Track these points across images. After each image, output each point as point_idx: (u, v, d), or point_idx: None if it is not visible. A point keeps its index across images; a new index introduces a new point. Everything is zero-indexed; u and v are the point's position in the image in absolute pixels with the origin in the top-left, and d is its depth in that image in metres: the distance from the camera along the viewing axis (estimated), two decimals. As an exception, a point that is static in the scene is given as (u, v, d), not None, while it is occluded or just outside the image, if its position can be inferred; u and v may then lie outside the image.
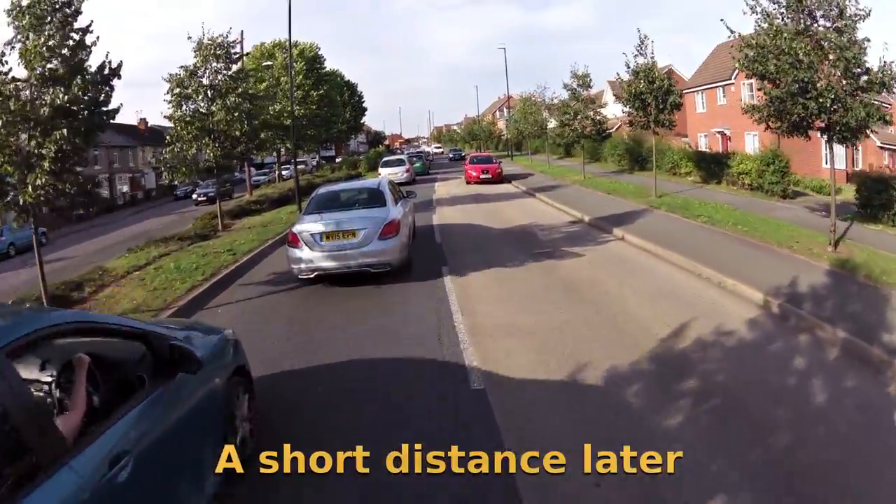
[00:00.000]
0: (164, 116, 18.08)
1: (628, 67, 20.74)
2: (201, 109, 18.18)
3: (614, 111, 59.84)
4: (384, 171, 32.41)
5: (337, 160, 69.71)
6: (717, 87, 40.77)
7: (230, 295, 10.75)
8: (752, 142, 36.92)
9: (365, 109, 78.65)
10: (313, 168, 61.66)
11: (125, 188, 60.20)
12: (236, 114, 17.67)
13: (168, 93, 18.07)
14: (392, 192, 11.98)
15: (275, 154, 79.29)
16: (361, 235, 10.00)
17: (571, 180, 28.55)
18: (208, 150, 17.47)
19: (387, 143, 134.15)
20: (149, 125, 68.65)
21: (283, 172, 61.13)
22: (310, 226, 10.25)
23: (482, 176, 30.88)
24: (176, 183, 40.14)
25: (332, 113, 53.09)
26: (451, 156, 69.36)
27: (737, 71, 37.59)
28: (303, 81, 48.12)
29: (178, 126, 17.56)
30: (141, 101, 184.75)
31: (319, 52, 51.86)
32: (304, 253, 10.11)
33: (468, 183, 31.17)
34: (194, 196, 47.18)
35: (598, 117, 28.62)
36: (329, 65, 55.52)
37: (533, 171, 37.94)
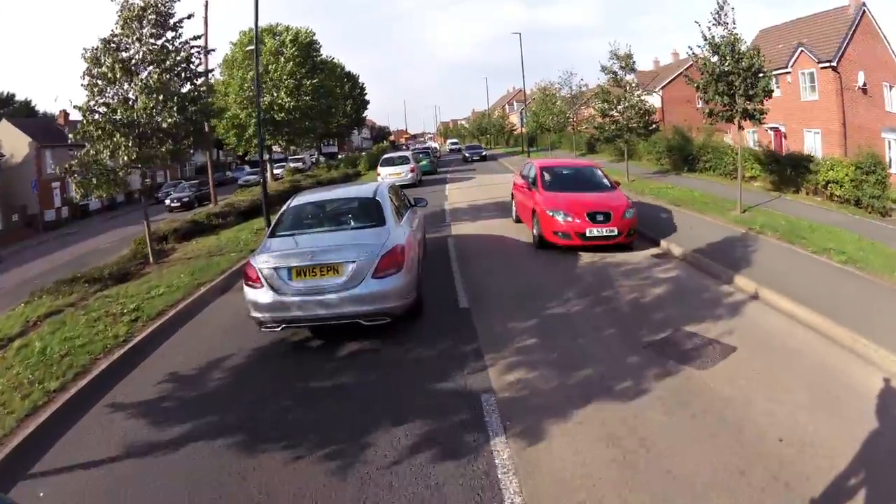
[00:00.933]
0: (74, 107, 12.80)
1: (705, 40, 15.41)
2: (129, 96, 12.90)
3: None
4: (384, 172, 27.25)
5: (339, 156, 64.30)
6: (772, 74, 34.94)
7: (78, 441, 5.61)
8: (812, 140, 31.60)
9: (367, 102, 73.54)
10: (310, 166, 55.94)
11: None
12: (161, 97, 12.33)
13: (83, 76, 12.81)
14: (394, 201, 8.84)
15: (278, 149, 74.61)
16: (349, 272, 6.91)
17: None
18: (122, 152, 12.14)
19: (392, 138, 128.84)
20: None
21: (277, 171, 56.20)
22: (275, 256, 7.15)
23: (595, 232, 11.61)
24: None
25: (330, 105, 47.68)
26: (452, 148, 62.47)
27: (796, 56, 32.24)
28: (294, 70, 42.77)
29: (87, 119, 12.30)
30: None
31: (315, 39, 46.39)
32: (266, 296, 6.98)
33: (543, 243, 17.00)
34: (167, 201, 42.01)
35: (645, 106, 23.26)
36: (329, 55, 50.16)
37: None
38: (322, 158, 66.18)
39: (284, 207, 8.74)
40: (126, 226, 35.60)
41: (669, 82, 48.66)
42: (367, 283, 6.84)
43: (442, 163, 50.69)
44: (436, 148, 64.60)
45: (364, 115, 74.87)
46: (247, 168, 61.55)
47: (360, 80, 72.29)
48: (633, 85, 23.25)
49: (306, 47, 44.72)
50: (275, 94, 41.12)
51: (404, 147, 75.12)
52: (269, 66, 42.07)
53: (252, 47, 40.47)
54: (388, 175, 26.29)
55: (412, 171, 28.05)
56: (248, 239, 15.47)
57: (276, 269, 6.97)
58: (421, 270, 8.44)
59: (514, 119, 79.41)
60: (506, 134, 76.98)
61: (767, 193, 21.06)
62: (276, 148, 78.53)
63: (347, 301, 6.82)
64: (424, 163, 36.68)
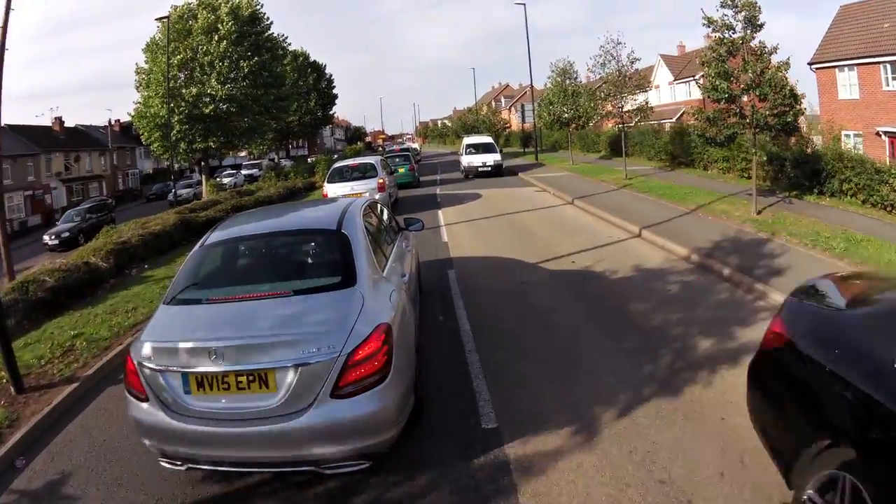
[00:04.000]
0: None
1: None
2: None
3: (670, 94, 43.85)
4: (334, 191, 16.78)
5: (310, 160, 53.74)
6: (882, 61, 25.08)
7: None
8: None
9: (335, 96, 63.03)
10: (255, 177, 44.92)
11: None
12: None
13: None
14: (373, 232, 5.55)
15: (244, 153, 63.82)
16: (288, 386, 3.73)
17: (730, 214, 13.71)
18: None
19: (368, 139, 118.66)
20: (64, 124, 53.54)
21: (225, 180, 45.57)
22: (162, 349, 3.98)
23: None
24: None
25: (281, 95, 37.16)
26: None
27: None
28: (230, 49, 32.47)
29: None
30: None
31: (261, 12, 35.99)
32: (153, 416, 3.93)
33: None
34: (45, 238, 31.03)
35: (786, 86, 13.04)
36: (281, 32, 39.40)
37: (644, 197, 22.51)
38: (287, 163, 55.41)
39: (196, 248, 5.19)
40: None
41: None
42: (321, 408, 3.70)
43: (424, 166, 40.10)
44: (416, 149, 54.01)
45: (332, 112, 64.38)
46: (197, 177, 50.27)
47: (326, 71, 61.91)
48: (766, 50, 13.01)
49: (248, 22, 34.35)
50: (205, 83, 31.83)
51: (379, 149, 64.37)
52: (200, 48, 32.27)
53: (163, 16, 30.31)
54: (344, 195, 15.91)
55: (380, 188, 16.89)
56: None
57: (163, 371, 3.86)
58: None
59: (508, 115, 69.20)
60: (497, 132, 66.64)
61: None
62: (242, 153, 69.45)
63: (286, 440, 3.71)
64: (402, 171, 26.28)
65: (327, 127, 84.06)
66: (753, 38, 13.05)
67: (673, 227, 12.22)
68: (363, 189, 16.48)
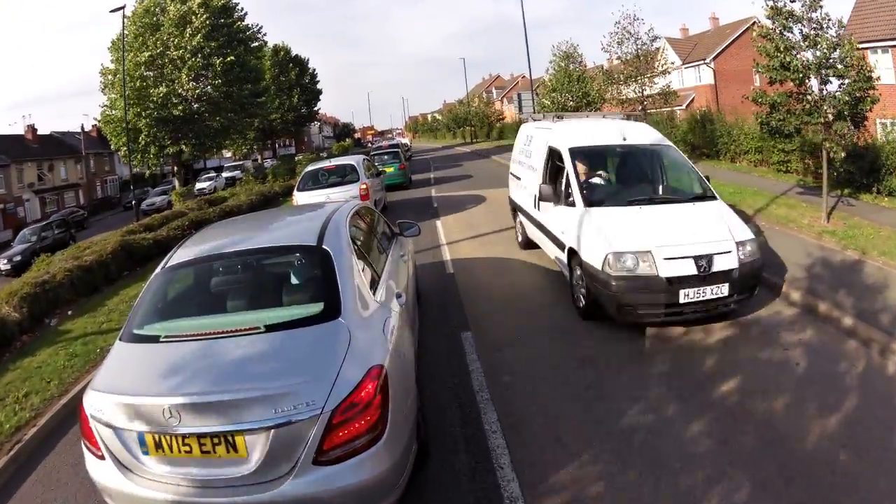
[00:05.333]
0: None
1: None
2: None
3: (678, 79, 41.39)
4: (305, 201, 13.69)
5: (297, 157, 50.91)
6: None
7: None
8: None
9: (319, 92, 59.95)
10: (237, 180, 40.98)
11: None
12: None
13: None
14: (362, 245, 5.06)
15: (229, 153, 60.71)
16: (259, 451, 3.13)
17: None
18: None
19: (357, 135, 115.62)
20: (37, 132, 50.75)
21: (204, 185, 42.63)
22: (116, 402, 3.33)
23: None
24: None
25: (258, 91, 34.16)
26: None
27: None
28: (202, 44, 29.56)
29: None
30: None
31: (234, 1, 33.03)
32: (110, 476, 3.38)
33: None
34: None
35: (865, 67, 10.31)
36: (255, 23, 36.29)
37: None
38: (270, 163, 52.27)
39: (157, 270, 4.59)
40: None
41: (724, 50, 35.94)
42: (304, 477, 3.13)
43: (416, 163, 37.00)
44: (407, 144, 50.91)
45: (317, 108, 61.26)
46: (179, 183, 47.00)
47: (309, 66, 58.76)
48: (831, 22, 10.19)
49: (221, 11, 31.38)
50: (174, 81, 29.39)
51: (368, 145, 61.18)
52: (172, 41, 29.51)
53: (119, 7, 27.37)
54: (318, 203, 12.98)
55: (362, 195, 13.93)
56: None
57: (117, 430, 3.32)
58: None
59: (501, 106, 66.30)
60: (491, 125, 63.76)
61: None
62: (227, 153, 66.66)
63: None
64: (391, 170, 23.30)
65: (315, 124, 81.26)
66: (817, 8, 10.18)
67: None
68: (341, 197, 13.49)
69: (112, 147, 32.56)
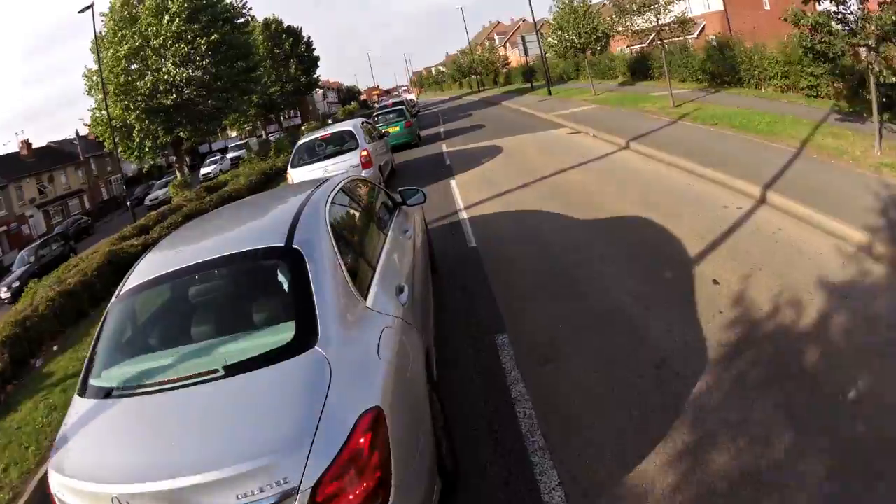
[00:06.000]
0: None
1: None
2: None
3: (689, 7, 38.73)
4: (302, 177, 12.08)
5: (302, 127, 49.54)
6: None
7: None
8: None
9: (317, 59, 57.81)
10: (236, 162, 39.45)
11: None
12: None
13: None
14: (352, 234, 4.29)
15: (234, 133, 59.14)
16: None
17: None
18: None
19: (363, 97, 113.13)
20: (31, 146, 49.82)
21: (208, 170, 41.35)
22: (66, 491, 2.70)
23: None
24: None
25: (251, 66, 32.38)
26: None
27: None
28: (183, 28, 28.00)
29: None
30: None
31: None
32: None
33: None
34: None
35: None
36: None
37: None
38: (275, 137, 50.60)
39: (112, 300, 3.67)
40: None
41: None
42: None
43: (424, 118, 35.03)
44: (413, 100, 48.66)
45: (316, 75, 59.13)
46: (180, 172, 45.44)
47: (303, 34, 56.48)
48: None
49: (198, -11, 29.54)
50: (160, 70, 27.92)
51: (374, 105, 59.06)
52: (150, 31, 28.05)
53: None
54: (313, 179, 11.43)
55: (364, 163, 12.26)
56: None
57: None
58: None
59: (505, 51, 63.64)
60: (496, 72, 61.29)
61: None
62: (233, 133, 65.39)
63: None
64: (397, 129, 21.61)
65: (319, 91, 79.28)
66: None
67: (802, 185, 7.62)
68: (341, 168, 11.98)
69: (106, 148, 31.33)
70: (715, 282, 5.43)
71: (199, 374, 2.82)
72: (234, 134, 63.33)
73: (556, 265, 6.60)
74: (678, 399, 3.87)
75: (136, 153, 29.58)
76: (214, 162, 44.10)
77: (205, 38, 28.25)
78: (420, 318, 3.90)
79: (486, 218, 9.37)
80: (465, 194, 11.41)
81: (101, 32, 28.80)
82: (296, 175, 12.45)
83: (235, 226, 4.26)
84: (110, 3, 28.84)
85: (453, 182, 12.88)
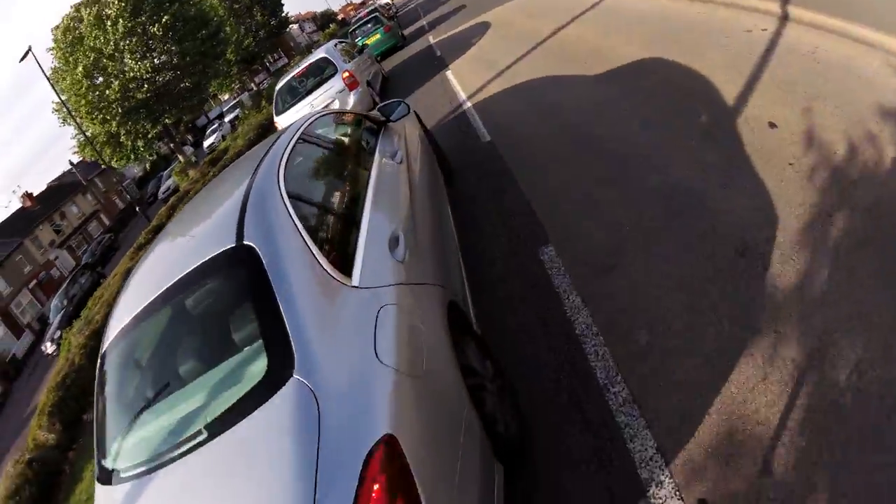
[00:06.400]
0: None
1: None
2: None
3: None
4: (286, 122, 10.79)
5: (288, 65, 48.32)
6: None
7: None
8: None
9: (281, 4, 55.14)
10: (233, 123, 37.73)
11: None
12: None
13: None
14: (326, 191, 3.54)
15: (226, 96, 58.16)
16: None
17: None
18: None
19: (340, 16, 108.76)
20: (33, 196, 50.21)
21: (210, 140, 40.46)
22: None
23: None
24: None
25: (210, 34, 31.03)
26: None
27: None
28: (130, 25, 27.41)
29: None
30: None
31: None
32: None
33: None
34: (44, 349, 26.86)
35: None
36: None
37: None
38: (267, 84, 49.10)
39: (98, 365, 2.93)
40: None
41: None
42: None
43: (405, 17, 33.03)
44: (389, 4, 45.97)
45: (284, 13, 56.58)
46: (181, 156, 44.41)
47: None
48: None
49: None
50: (124, 72, 27.26)
51: (350, 20, 56.59)
52: (98, 42, 27.30)
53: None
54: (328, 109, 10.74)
55: (349, 84, 11.15)
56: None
57: None
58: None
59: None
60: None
61: None
62: (224, 97, 64.07)
63: None
64: (377, 38, 20.37)
65: (294, 27, 76.60)
66: None
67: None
68: (327, 99, 11.05)
69: (103, 165, 31.21)
70: (772, 125, 4.23)
71: (187, 440, 2.22)
72: (226, 97, 61.93)
73: (583, 144, 5.49)
74: (776, 296, 2.94)
75: (131, 157, 29.28)
76: (215, 131, 43.13)
77: (156, 25, 27.20)
78: (435, 265, 3.13)
79: (494, 103, 8.25)
80: (464, 83, 10.29)
81: (53, 65, 28.31)
82: (283, 122, 11.53)
83: (191, 230, 3.32)
84: (53, 36, 28.10)
85: (449, 73, 11.82)
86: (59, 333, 23.36)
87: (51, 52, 27.74)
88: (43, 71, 26.15)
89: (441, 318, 2.64)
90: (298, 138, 3.57)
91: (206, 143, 40.55)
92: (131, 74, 26.76)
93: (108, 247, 40.84)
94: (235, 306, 2.52)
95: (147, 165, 50.08)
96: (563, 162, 5.41)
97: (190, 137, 52.69)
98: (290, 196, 2.81)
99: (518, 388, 3.14)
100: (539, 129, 6.44)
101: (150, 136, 29.05)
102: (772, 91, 4.67)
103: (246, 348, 2.33)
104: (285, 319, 2.20)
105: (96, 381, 2.88)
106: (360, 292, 2.45)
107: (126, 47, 26.95)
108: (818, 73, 4.58)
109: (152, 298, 2.71)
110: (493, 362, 3.00)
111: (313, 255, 2.48)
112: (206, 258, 2.59)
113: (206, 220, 3.17)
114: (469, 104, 8.79)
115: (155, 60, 27.53)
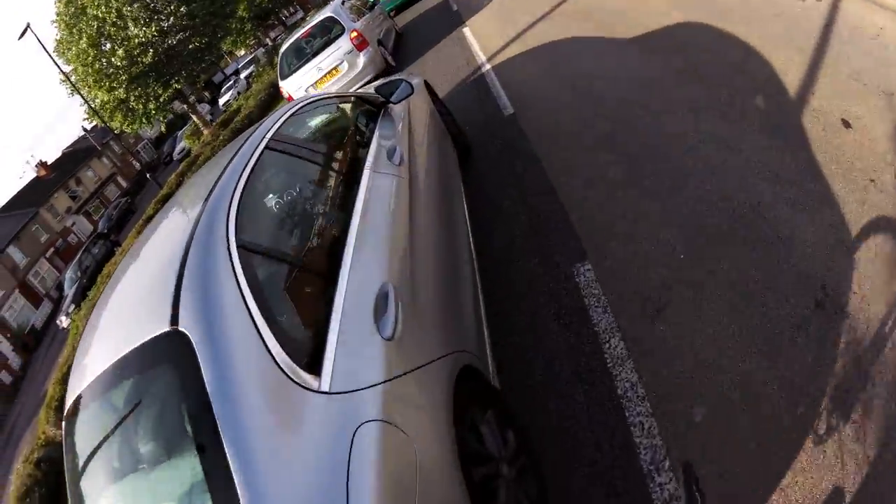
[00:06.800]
0: None
1: None
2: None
3: None
4: (297, 87, 10.73)
5: (304, 17, 46.98)
6: None
7: None
8: None
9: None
10: (248, 80, 36.81)
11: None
12: None
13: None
14: (274, 269, 2.32)
15: (243, 52, 57.23)
16: None
17: None
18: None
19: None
20: (47, 164, 50.01)
21: (225, 97, 39.70)
22: None
23: None
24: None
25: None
26: None
27: None
28: None
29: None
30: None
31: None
32: None
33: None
34: (59, 322, 26.73)
35: None
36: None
37: None
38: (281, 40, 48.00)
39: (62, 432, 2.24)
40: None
41: None
42: None
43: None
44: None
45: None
46: (196, 117, 43.35)
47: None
48: None
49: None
50: (129, 39, 26.44)
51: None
52: (100, 12, 26.30)
53: None
54: (310, 90, 9.97)
55: (358, 45, 10.40)
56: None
57: None
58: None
59: None
60: None
61: None
62: (240, 52, 62.72)
63: None
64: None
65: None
66: None
67: None
68: (335, 61, 10.32)
69: (115, 132, 30.31)
70: (846, 124, 3.42)
71: None
72: (242, 52, 60.81)
73: (626, 132, 4.65)
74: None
75: (143, 120, 28.55)
76: (230, 88, 42.30)
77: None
78: (442, 325, 2.42)
79: (515, 68, 7.46)
80: (483, 42, 9.50)
81: (59, 37, 27.55)
82: (290, 88, 10.83)
83: (133, 287, 2.46)
84: (56, 9, 27.20)
85: (466, 30, 11.02)
86: (72, 307, 23.42)
87: (54, 24, 27.04)
88: (44, 47, 25.74)
89: (446, 412, 1.97)
90: (265, 147, 2.78)
91: (221, 101, 39.92)
92: (136, 41, 26.07)
93: (126, 210, 40.63)
94: (170, 420, 1.87)
95: (162, 127, 49.40)
96: (599, 152, 4.60)
97: (207, 94, 51.83)
98: (241, 247, 2.12)
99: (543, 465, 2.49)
100: (568, 104, 5.64)
101: (161, 98, 28.34)
102: (839, 80, 3.79)
103: (188, 478, 1.69)
104: (226, 448, 1.58)
105: (64, 448, 2.21)
106: (331, 402, 1.78)
107: (129, 14, 26.20)
108: (891, 63, 3.69)
109: (98, 374, 2.06)
110: (517, 432, 2.37)
111: (265, 345, 1.81)
112: (136, 344, 1.93)
113: (146, 279, 2.37)
114: (489, 67, 8.07)
115: (162, 24, 26.65)
